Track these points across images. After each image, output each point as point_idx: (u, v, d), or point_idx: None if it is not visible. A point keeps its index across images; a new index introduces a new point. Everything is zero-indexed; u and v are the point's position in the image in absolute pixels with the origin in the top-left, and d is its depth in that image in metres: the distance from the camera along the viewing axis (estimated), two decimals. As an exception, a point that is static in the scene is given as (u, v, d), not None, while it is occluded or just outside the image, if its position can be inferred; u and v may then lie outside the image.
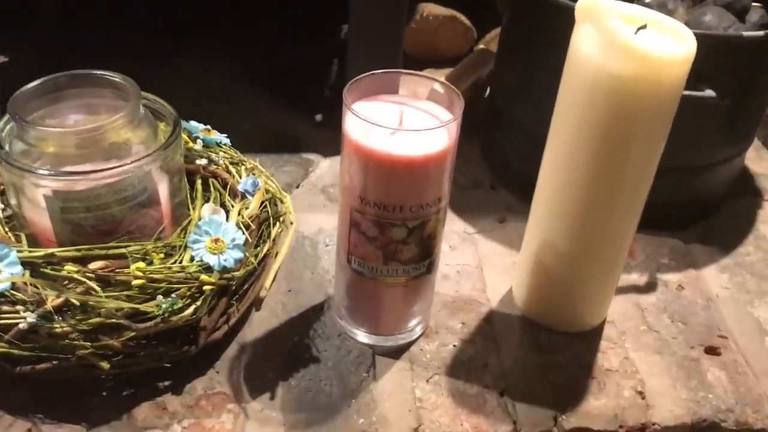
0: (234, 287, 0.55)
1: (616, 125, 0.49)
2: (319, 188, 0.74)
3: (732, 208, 0.76)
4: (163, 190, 0.55)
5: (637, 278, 0.66)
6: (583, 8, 0.49)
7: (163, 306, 0.49)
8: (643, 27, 0.49)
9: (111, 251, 0.51)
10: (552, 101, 0.53)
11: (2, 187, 0.56)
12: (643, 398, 0.55)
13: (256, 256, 0.57)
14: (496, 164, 0.78)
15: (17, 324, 0.47)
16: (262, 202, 0.60)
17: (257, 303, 0.59)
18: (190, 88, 0.86)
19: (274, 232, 0.60)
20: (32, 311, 0.47)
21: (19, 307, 0.48)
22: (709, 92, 0.60)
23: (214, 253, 0.52)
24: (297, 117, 0.84)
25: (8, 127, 0.52)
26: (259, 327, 0.58)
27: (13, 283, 0.48)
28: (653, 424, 0.53)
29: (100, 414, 0.50)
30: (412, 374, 0.55)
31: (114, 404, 0.51)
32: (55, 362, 0.48)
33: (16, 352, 0.48)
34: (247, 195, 0.60)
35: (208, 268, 0.52)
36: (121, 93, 0.55)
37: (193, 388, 0.53)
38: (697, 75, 0.58)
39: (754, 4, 0.71)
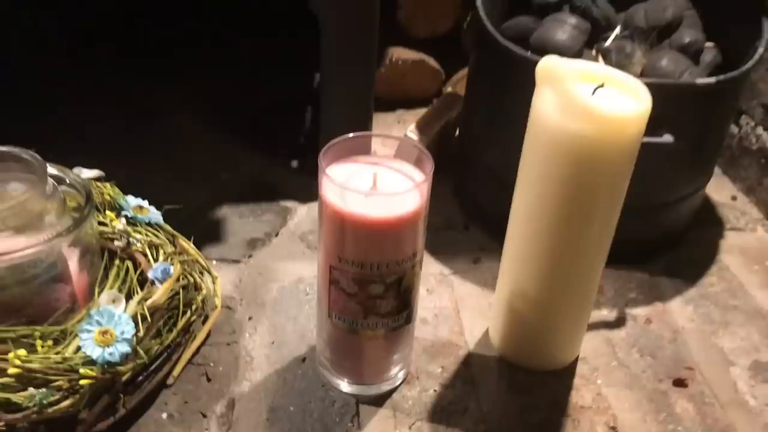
0: (123, 379, 0.53)
1: (578, 178, 0.52)
2: (297, 236, 0.76)
3: (696, 238, 0.79)
4: (73, 267, 0.55)
5: (606, 314, 0.69)
6: (542, 71, 0.52)
7: (36, 398, 0.48)
8: (601, 86, 0.52)
9: None
10: (517, 147, 0.56)
11: None
12: (617, 434, 0.57)
13: (153, 348, 0.55)
14: (467, 205, 0.81)
15: None
16: (176, 291, 0.58)
17: (164, 385, 0.58)
18: (167, 140, 0.88)
19: (182, 323, 0.58)
20: None
21: None
22: (668, 137, 0.63)
23: (101, 346, 0.51)
24: (274, 164, 0.86)
25: None
26: (245, 382, 0.60)
27: None
28: (627, 460, 0.56)
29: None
30: (395, 421, 0.57)
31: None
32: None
33: None
34: (156, 282, 0.57)
35: (91, 361, 0.50)
36: (29, 167, 0.55)
37: (182, 447, 0.54)
38: (656, 121, 0.62)
39: (707, 44, 0.75)
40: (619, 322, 0.68)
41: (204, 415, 0.57)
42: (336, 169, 0.53)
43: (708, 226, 0.81)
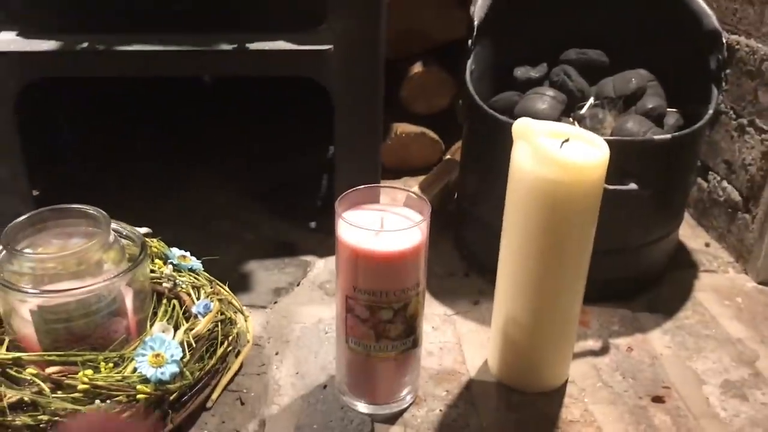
0: (171, 398, 0.62)
1: (552, 218, 0.62)
2: (316, 285, 0.86)
3: (673, 280, 0.88)
4: (129, 304, 0.65)
5: (592, 344, 0.77)
6: (518, 129, 0.63)
7: (101, 409, 0.57)
8: (566, 140, 0.63)
9: (69, 358, 0.60)
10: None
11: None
12: (602, 443, 0.65)
13: (195, 372, 0.64)
14: (467, 255, 0.91)
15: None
16: (214, 323, 0.68)
17: (203, 408, 0.66)
18: (202, 207, 1.00)
19: (220, 351, 0.68)
20: None
21: None
22: (632, 185, 0.73)
23: (154, 367, 0.60)
24: (294, 225, 0.97)
25: (2, 254, 0.63)
26: (273, 405, 0.68)
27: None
28: (611, 464, 0.63)
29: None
30: (406, 436, 0.65)
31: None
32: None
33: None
34: (199, 316, 0.68)
35: (145, 380, 0.60)
36: (95, 222, 0.66)
37: (221, 459, 0.62)
38: (623, 172, 0.73)
39: (669, 109, 0.87)
40: (603, 351, 0.76)
41: (239, 433, 0.65)
42: (349, 214, 0.63)
43: (684, 269, 0.91)
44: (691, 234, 0.98)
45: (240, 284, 0.85)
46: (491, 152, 0.81)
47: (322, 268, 0.89)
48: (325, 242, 0.94)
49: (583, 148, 0.63)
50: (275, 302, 0.83)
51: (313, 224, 0.98)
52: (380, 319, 0.62)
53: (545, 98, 0.86)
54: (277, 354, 0.75)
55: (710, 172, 0.98)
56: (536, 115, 0.84)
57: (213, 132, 1.18)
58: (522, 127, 0.63)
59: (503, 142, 0.67)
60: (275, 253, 0.92)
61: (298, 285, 0.86)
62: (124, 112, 1.17)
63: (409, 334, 0.64)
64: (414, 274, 0.62)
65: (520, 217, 0.64)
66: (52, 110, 1.07)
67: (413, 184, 1.07)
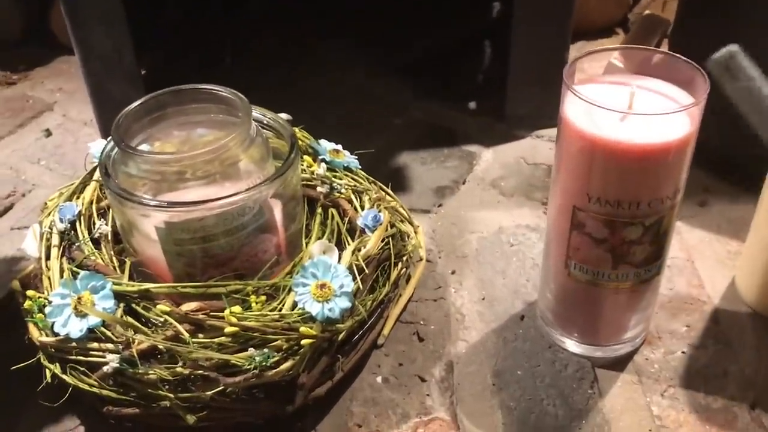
0: (340, 338, 0.48)
1: None
2: (488, 182, 0.69)
3: None
4: (277, 216, 0.49)
5: None
6: None
7: (256, 359, 0.43)
8: None
9: (210, 290, 0.46)
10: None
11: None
12: None
13: (367, 303, 0.49)
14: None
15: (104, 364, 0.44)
16: (384, 239, 0.52)
17: (374, 346, 0.52)
18: (334, 88, 0.82)
19: (394, 274, 0.53)
20: (119, 352, 0.43)
21: (108, 345, 0.44)
22: None
23: (319, 301, 0.46)
24: (449, 107, 0.79)
25: (114, 152, 0.48)
26: (460, 342, 0.53)
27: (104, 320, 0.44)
28: None
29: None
30: (643, 388, 0.49)
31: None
32: (141, 408, 0.44)
33: (104, 392, 0.44)
34: (367, 230, 0.52)
35: (309, 318, 0.45)
36: (229, 109, 0.49)
37: (406, 415, 0.48)
38: None
39: None
40: None
41: (423, 380, 0.51)
42: (581, 88, 0.44)
43: None
44: None
45: (394, 181, 0.68)
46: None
47: (490, 160, 0.72)
48: (489, 127, 0.75)
49: None
50: (439, 205, 0.66)
51: (472, 105, 0.79)
52: (623, 240, 0.45)
53: None
54: (453, 273, 0.59)
55: None
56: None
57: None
58: None
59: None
60: (430, 143, 0.74)
61: (464, 183, 0.69)
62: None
63: (657, 258, 0.47)
64: (675, 177, 0.44)
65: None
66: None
67: (591, 48, 0.85)
